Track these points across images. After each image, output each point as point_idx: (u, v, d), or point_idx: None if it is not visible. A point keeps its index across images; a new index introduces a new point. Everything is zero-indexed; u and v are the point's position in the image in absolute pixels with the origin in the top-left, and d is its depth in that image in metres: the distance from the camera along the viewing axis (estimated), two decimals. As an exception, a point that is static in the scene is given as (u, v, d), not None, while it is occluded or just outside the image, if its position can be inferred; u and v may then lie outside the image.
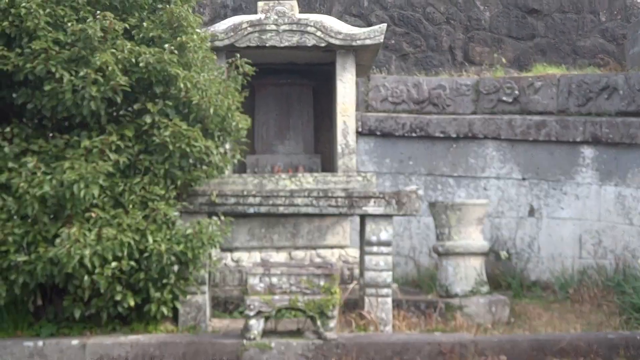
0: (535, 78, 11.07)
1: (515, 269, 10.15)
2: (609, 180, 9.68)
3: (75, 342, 6.20)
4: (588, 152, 9.99)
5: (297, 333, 6.45)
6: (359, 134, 10.66)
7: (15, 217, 5.99)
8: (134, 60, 6.23)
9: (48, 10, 6.06)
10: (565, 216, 10.20)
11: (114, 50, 6.16)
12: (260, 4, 8.58)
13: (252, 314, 6.21)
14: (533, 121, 10.48)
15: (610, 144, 9.63)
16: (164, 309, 6.42)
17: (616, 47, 17.40)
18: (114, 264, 5.98)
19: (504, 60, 16.31)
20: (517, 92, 10.97)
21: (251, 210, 7.18)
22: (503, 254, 10.28)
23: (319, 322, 6.23)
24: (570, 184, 10.16)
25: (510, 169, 10.67)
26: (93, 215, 6.08)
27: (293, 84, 9.48)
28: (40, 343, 6.17)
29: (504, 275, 9.84)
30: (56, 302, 6.57)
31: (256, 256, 8.22)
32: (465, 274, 8.09)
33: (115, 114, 6.53)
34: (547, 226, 10.34)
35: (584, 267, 9.59)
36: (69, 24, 6.10)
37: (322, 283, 6.29)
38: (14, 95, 6.31)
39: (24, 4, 5.94)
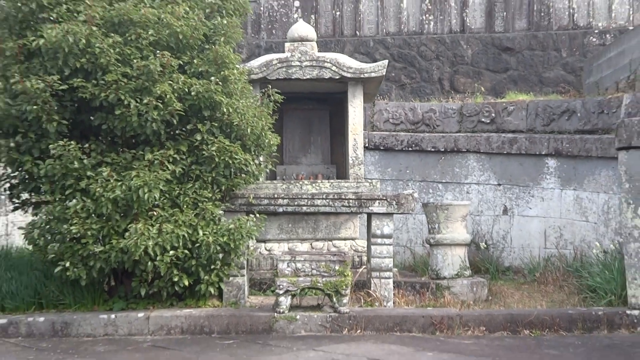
0: (508, 103, 11.07)
1: (492, 256, 10.12)
2: (569, 186, 9.65)
3: (140, 314, 6.26)
4: (551, 162, 9.97)
5: (317, 307, 6.48)
6: (366, 148, 10.70)
7: (93, 215, 6.04)
8: (186, 89, 6.25)
9: (117, 49, 6.09)
10: (533, 214, 10.17)
11: (170, 82, 6.19)
12: (287, 45, 8.63)
13: (281, 292, 6.25)
14: (506, 138, 10.48)
15: (570, 156, 9.60)
16: (211, 289, 6.45)
17: (575, 78, 17.32)
18: (171, 252, 6.03)
19: (482, 89, 16.30)
20: (493, 114, 10.98)
21: (280, 209, 7.21)
22: (482, 244, 10.26)
23: (334, 299, 6.26)
24: (537, 189, 10.14)
25: (488, 177, 10.66)
26: (155, 213, 6.14)
27: (313, 108, 9.51)
28: (112, 316, 6.24)
29: (483, 261, 9.82)
30: (126, 283, 6.62)
31: (284, 246, 8.25)
32: (451, 260, 8.09)
33: (172, 132, 6.56)
34: (518, 222, 10.32)
35: (548, 255, 9.56)
36: (135, 61, 6.12)
37: (337, 267, 6.31)
38: (92, 118, 6.39)
39: (97, 45, 5.96)
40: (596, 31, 18.05)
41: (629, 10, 18.46)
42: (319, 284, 6.26)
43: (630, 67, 13.10)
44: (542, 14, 18.32)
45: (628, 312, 6.29)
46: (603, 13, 18.40)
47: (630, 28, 16.59)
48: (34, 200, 6.56)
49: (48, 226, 6.12)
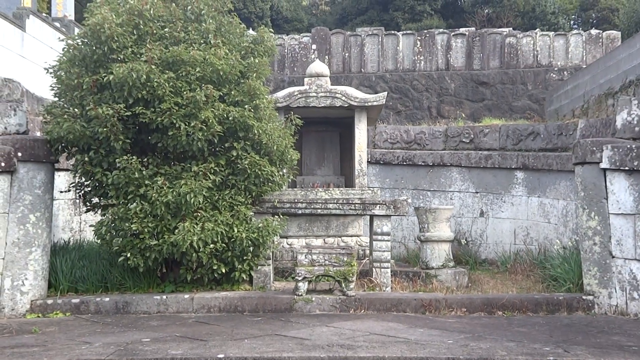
0: (484, 127, 10.99)
1: (471, 251, 10.03)
2: (534, 194, 9.54)
3: (186, 296, 6.24)
4: (520, 175, 9.87)
5: (329, 291, 6.43)
6: (369, 162, 10.64)
7: (149, 215, 6.03)
8: (225, 115, 6.23)
9: (171, 83, 6.08)
10: (505, 217, 10.06)
11: (213, 109, 6.17)
12: (306, 79, 8.62)
13: (300, 278, 6.21)
14: (483, 154, 10.39)
15: (535, 169, 9.50)
16: (244, 275, 6.42)
17: (539, 106, 17.19)
18: (212, 245, 6.01)
19: (463, 115, 16.21)
20: (472, 135, 10.90)
21: (299, 211, 7.19)
22: (463, 241, 10.17)
23: (343, 284, 6.20)
24: (508, 196, 10.04)
25: (468, 186, 10.57)
26: (199, 214, 6.11)
27: (326, 130, 9.47)
28: (164, 297, 6.23)
29: (464, 255, 9.73)
30: (175, 270, 6.60)
31: (302, 241, 8.19)
32: (438, 254, 8.01)
33: (213, 149, 6.54)
34: (492, 223, 10.22)
35: (517, 250, 9.44)
36: (184, 92, 6.10)
37: (345, 259, 6.26)
38: (150, 137, 6.40)
39: (155, 80, 5.95)
40: (556, 69, 17.93)
41: (582, 52, 18.33)
42: (330, 272, 6.21)
43: (584, 97, 12.96)
44: (512, 55, 18.23)
45: (584, 297, 6.18)
46: (561, 54, 18.28)
47: (584, 66, 16.45)
48: (102, 204, 6.57)
49: (113, 224, 6.12)
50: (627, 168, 6.03)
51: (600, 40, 18.37)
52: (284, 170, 7.22)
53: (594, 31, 18.93)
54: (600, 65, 12.98)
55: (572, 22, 29.65)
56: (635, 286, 6.00)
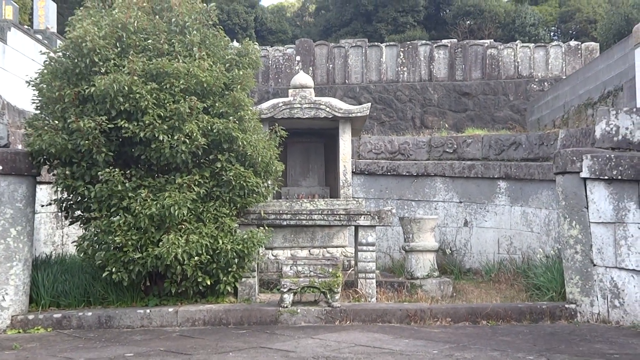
0: (467, 137, 11.08)
1: (456, 260, 10.06)
2: (517, 203, 9.63)
3: (171, 309, 6.16)
4: (502, 184, 9.95)
5: (314, 303, 6.40)
6: (353, 173, 10.68)
7: (133, 228, 5.97)
8: (209, 127, 6.20)
9: (154, 95, 6.04)
10: (488, 226, 10.13)
11: (197, 121, 6.14)
12: (290, 91, 8.65)
13: (285, 290, 6.18)
14: (466, 164, 10.47)
15: (517, 179, 9.59)
16: (228, 288, 6.38)
17: (520, 117, 17.42)
18: (196, 258, 5.96)
19: (447, 125, 16.36)
20: (455, 146, 10.98)
21: (284, 222, 7.17)
22: (448, 250, 10.21)
23: (328, 296, 6.18)
24: (491, 205, 10.12)
25: (452, 196, 10.63)
26: (183, 226, 6.07)
27: (311, 141, 9.48)
28: (148, 310, 6.14)
29: (449, 264, 9.76)
30: (159, 283, 6.53)
31: (288, 252, 8.17)
32: (423, 264, 8.03)
33: (197, 161, 6.51)
34: (476, 232, 10.28)
35: (501, 259, 9.50)
36: (168, 104, 6.07)
37: (330, 270, 6.25)
38: (133, 150, 6.35)
39: (138, 91, 5.92)
40: (536, 80, 18.19)
41: (562, 63, 18.64)
42: (315, 284, 6.19)
43: (564, 108, 13.15)
44: (493, 66, 18.47)
45: (567, 305, 6.23)
46: (542, 65, 18.57)
47: (564, 77, 16.71)
48: (85, 217, 6.49)
49: (96, 237, 6.05)
50: (606, 177, 6.12)
51: (579, 51, 18.70)
52: (269, 182, 7.19)
53: (573, 43, 19.28)
54: (580, 76, 13.21)
55: (552, 33, 30.16)
56: (616, 294, 6.07)
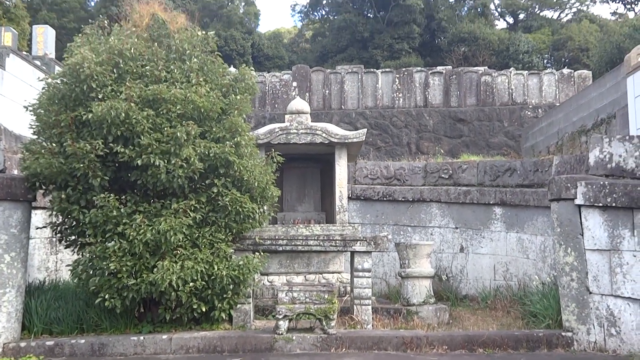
0: (462, 163, 11.13)
1: (452, 287, 10.01)
2: (512, 229, 9.63)
3: (164, 336, 6.10)
4: (498, 210, 9.97)
5: (310, 329, 6.35)
6: (349, 198, 10.68)
7: (127, 254, 5.95)
8: (206, 152, 6.23)
9: (151, 120, 6.08)
10: (484, 252, 10.11)
11: (193, 146, 6.17)
12: (286, 116, 8.69)
13: (280, 317, 6.13)
14: (462, 190, 10.50)
15: (512, 205, 9.61)
16: (223, 314, 6.33)
17: (515, 143, 17.53)
18: (191, 284, 5.93)
19: (442, 151, 16.44)
20: (451, 171, 11.02)
21: (280, 248, 7.15)
22: (444, 277, 10.16)
23: (324, 322, 6.14)
24: (487, 231, 10.11)
25: (448, 221, 10.63)
26: (178, 252, 6.05)
27: (307, 167, 9.51)
28: (141, 337, 6.08)
29: (445, 291, 9.70)
30: (153, 310, 6.47)
31: (283, 278, 8.12)
32: (419, 290, 7.99)
33: (194, 186, 6.52)
34: (472, 259, 10.25)
35: (497, 286, 9.46)
36: (165, 129, 6.10)
37: (326, 296, 6.21)
38: (129, 175, 6.35)
39: (134, 116, 5.95)
40: (530, 106, 18.38)
41: (555, 91, 18.86)
42: (311, 310, 6.14)
43: (558, 134, 13.26)
44: (488, 92, 18.66)
45: (563, 333, 6.19)
46: (535, 93, 18.78)
47: (557, 104, 16.88)
48: (79, 242, 6.46)
49: (90, 263, 6.02)
50: (601, 204, 6.14)
51: (572, 79, 18.94)
52: (265, 207, 7.19)
53: (566, 70, 19.54)
54: (573, 103, 13.35)
55: (545, 61, 30.56)
56: (612, 322, 6.04)
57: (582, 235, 6.29)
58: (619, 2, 29.87)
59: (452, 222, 10.55)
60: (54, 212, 6.29)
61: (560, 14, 35.15)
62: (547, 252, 8.47)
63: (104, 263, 5.87)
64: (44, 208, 7.49)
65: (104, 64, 6.25)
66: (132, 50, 6.42)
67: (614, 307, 6.04)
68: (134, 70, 6.40)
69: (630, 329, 5.94)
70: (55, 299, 6.54)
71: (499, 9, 34.99)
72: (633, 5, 29.26)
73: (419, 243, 8.40)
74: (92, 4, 34.27)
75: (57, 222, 6.50)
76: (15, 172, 7.11)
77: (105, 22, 7.04)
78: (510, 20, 34.95)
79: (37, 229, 7.32)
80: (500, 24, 34.95)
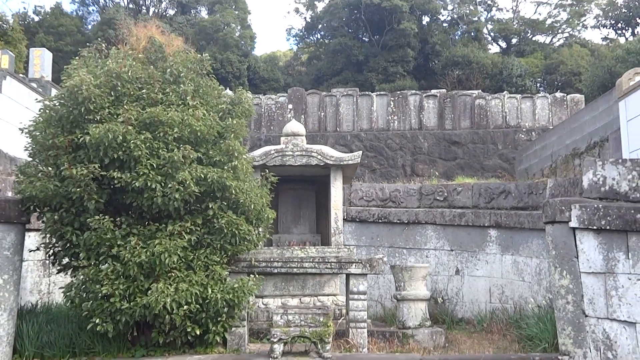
0: (457, 185, 11.17)
1: (448, 309, 9.96)
2: (508, 251, 9.63)
3: (158, 360, 6.04)
4: (493, 232, 9.98)
5: (305, 353, 6.28)
6: (345, 220, 10.67)
7: (121, 277, 5.90)
8: (202, 175, 6.21)
9: (148, 144, 6.09)
10: (480, 275, 10.09)
11: (190, 170, 6.15)
12: (282, 138, 8.74)
13: (275, 340, 6.07)
14: (457, 212, 10.51)
15: (507, 227, 9.62)
16: (218, 338, 6.26)
17: (509, 165, 17.63)
18: (185, 307, 5.87)
19: (437, 173, 16.51)
20: (446, 194, 11.05)
21: (275, 270, 7.11)
22: (439, 299, 10.11)
23: (319, 346, 6.08)
24: (482, 254, 10.11)
25: (443, 244, 10.63)
26: (173, 275, 6.00)
27: (303, 189, 9.51)
28: (135, 361, 6.01)
29: (441, 314, 9.65)
30: (146, 333, 6.40)
31: (278, 301, 8.08)
32: (415, 313, 7.95)
33: (189, 208, 6.50)
34: (468, 281, 10.23)
35: (493, 309, 9.42)
36: (162, 153, 6.11)
37: (321, 319, 6.17)
38: (124, 197, 6.32)
39: (132, 141, 5.97)
40: (524, 129, 18.54)
41: (548, 114, 19.05)
42: (306, 333, 6.09)
43: (552, 157, 13.37)
44: (482, 115, 18.83)
45: (559, 357, 6.15)
46: (529, 116, 18.96)
47: (550, 127, 17.05)
48: (73, 265, 6.41)
49: (84, 286, 5.96)
50: (595, 227, 6.16)
51: (565, 102, 19.16)
52: (260, 229, 7.17)
53: (558, 94, 19.78)
54: (566, 127, 13.49)
55: (537, 84, 30.95)
56: (609, 346, 6.01)
57: (577, 258, 6.30)
58: (609, 28, 30.41)
59: (447, 244, 10.55)
60: (47, 234, 6.25)
61: (552, 38, 35.73)
62: (543, 275, 8.47)
63: (97, 286, 5.81)
64: (37, 230, 7.45)
65: (102, 86, 6.28)
66: (129, 73, 6.46)
67: (610, 330, 6.03)
68: (132, 92, 6.43)
69: (626, 352, 5.92)
70: (47, 323, 6.46)
71: (492, 34, 35.54)
72: (624, 31, 29.78)
73: (415, 265, 8.38)
74: (90, 27, 34.61)
75: (50, 243, 6.46)
76: (10, 193, 7.10)
77: (103, 45, 7.10)
78: (503, 44, 35.48)
79: (30, 251, 7.26)
80: (494, 48, 35.50)
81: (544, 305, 7.49)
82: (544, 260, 8.38)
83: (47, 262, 7.92)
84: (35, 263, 7.92)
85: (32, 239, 7.59)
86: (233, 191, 6.38)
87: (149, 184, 5.95)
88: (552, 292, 6.64)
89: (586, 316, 6.18)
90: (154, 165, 6.06)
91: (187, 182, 6.04)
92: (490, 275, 9.89)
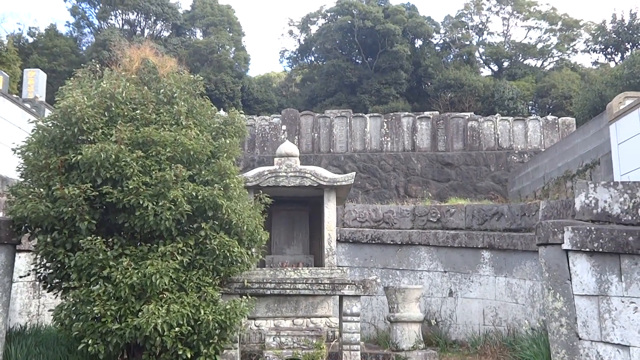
0: (450, 206, 11.20)
1: (441, 332, 9.91)
2: (501, 273, 9.62)
3: (148, 383, 5.93)
4: (486, 254, 9.98)
5: (298, 377, 6.22)
6: (338, 241, 10.65)
7: (112, 298, 5.82)
8: (194, 194, 6.20)
9: (140, 162, 6.08)
10: (473, 297, 10.06)
11: (182, 189, 6.14)
12: (276, 159, 8.76)
13: (267, 363, 6.01)
14: (450, 234, 10.52)
15: (501, 249, 9.63)
16: (209, 360, 6.19)
17: (502, 187, 17.73)
18: (177, 329, 5.79)
19: (430, 194, 16.56)
20: (439, 215, 11.07)
21: (268, 292, 7.07)
22: (433, 321, 10.06)
23: (312, 370, 6.02)
24: (476, 275, 10.09)
25: (436, 265, 10.61)
26: (164, 296, 5.94)
27: (296, 209, 9.50)
28: (124, 384, 5.91)
29: (434, 336, 9.60)
30: (137, 356, 6.29)
31: (271, 323, 8.00)
32: (408, 335, 7.90)
33: (181, 229, 6.46)
34: (461, 303, 10.19)
35: (487, 331, 9.37)
36: (154, 171, 6.10)
37: (314, 341, 6.12)
38: (116, 217, 6.30)
39: (124, 159, 5.97)
40: (516, 152, 18.68)
41: (540, 136, 19.24)
42: (299, 356, 6.05)
43: (544, 179, 13.46)
44: (474, 137, 18.98)
45: (554, 380, 6.11)
46: (521, 138, 19.13)
47: (542, 150, 17.20)
48: (63, 286, 6.34)
49: (74, 308, 5.88)
50: (588, 249, 6.18)
51: (557, 125, 19.37)
52: (253, 250, 7.13)
53: (550, 117, 20.00)
54: (558, 149, 13.62)
55: (529, 107, 31.31)
56: (603, 368, 5.99)
57: (571, 280, 6.30)
58: (599, 52, 30.91)
59: (440, 265, 10.53)
60: (39, 256, 6.19)
61: (542, 62, 36.25)
62: (536, 297, 8.45)
63: (88, 307, 5.73)
64: (28, 251, 7.38)
65: (96, 107, 6.29)
66: (123, 94, 6.48)
67: (604, 353, 6.01)
68: (126, 113, 6.45)
69: (621, 375, 5.89)
70: (36, 345, 6.37)
71: (483, 57, 36.02)
72: (613, 55, 30.28)
73: (408, 287, 8.36)
74: (84, 48, 34.78)
75: (41, 264, 6.40)
76: (1, 214, 7.05)
77: (97, 66, 7.13)
78: (495, 67, 35.94)
79: (20, 277, 7.18)
80: (485, 71, 35.94)
81: (538, 328, 7.47)
82: (538, 282, 8.37)
83: (37, 283, 7.83)
84: (25, 284, 7.83)
85: (22, 260, 7.52)
86: (225, 211, 6.36)
87: (140, 202, 5.93)
88: (545, 314, 6.62)
89: (580, 339, 6.16)
90: (146, 185, 6.03)
91: (179, 200, 6.02)
92: (483, 297, 9.86)
